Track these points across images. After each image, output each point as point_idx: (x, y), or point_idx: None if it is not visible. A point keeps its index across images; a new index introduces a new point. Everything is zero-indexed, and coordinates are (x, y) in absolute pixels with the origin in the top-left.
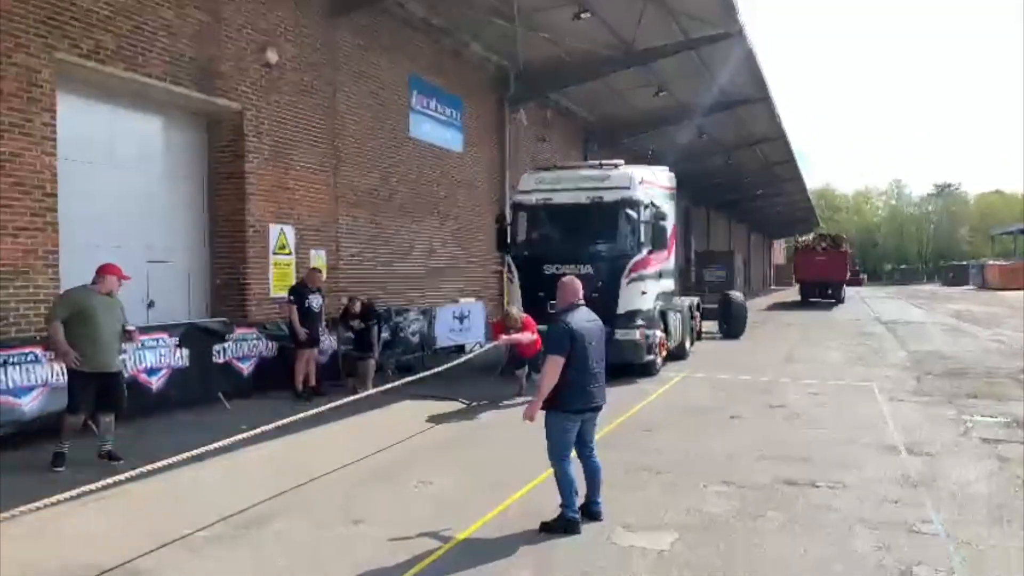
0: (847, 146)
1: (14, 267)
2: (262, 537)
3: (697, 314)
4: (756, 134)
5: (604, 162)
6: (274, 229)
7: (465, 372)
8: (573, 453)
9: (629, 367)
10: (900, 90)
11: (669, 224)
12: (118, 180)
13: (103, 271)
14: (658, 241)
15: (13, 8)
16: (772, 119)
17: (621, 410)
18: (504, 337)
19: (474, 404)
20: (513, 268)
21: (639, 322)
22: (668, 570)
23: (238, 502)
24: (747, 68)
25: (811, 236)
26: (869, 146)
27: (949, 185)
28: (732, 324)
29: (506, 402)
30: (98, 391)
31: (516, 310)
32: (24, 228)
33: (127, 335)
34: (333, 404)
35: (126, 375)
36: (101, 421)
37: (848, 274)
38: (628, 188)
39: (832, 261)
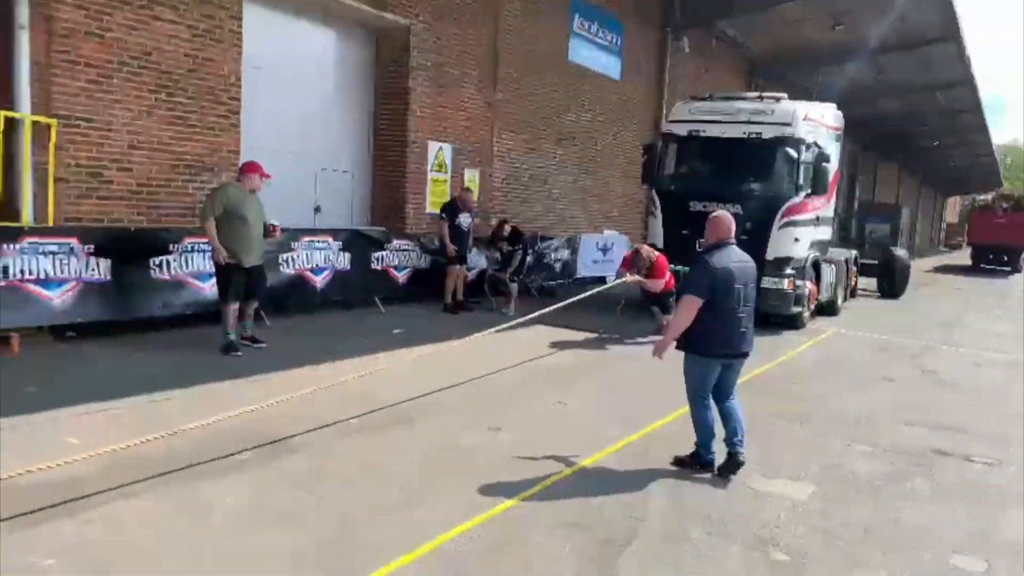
0: None
1: (202, 163)
2: (407, 431)
3: (854, 268)
4: (940, 78)
5: (765, 95)
6: (433, 147)
7: (596, 304)
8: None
9: (774, 318)
10: None
11: (832, 167)
12: (294, 89)
13: (247, 169)
14: (818, 185)
15: None
16: (960, 61)
17: (765, 359)
18: (631, 277)
19: (605, 336)
20: (656, 202)
21: (789, 270)
22: (802, 521)
23: (388, 397)
24: (937, 1)
25: (991, 195)
26: None
27: None
28: (892, 283)
29: (639, 338)
30: (247, 281)
31: (647, 250)
32: (211, 128)
33: (270, 230)
34: (495, 329)
35: (293, 272)
36: (244, 309)
37: None
38: (790, 124)
39: (1013, 224)
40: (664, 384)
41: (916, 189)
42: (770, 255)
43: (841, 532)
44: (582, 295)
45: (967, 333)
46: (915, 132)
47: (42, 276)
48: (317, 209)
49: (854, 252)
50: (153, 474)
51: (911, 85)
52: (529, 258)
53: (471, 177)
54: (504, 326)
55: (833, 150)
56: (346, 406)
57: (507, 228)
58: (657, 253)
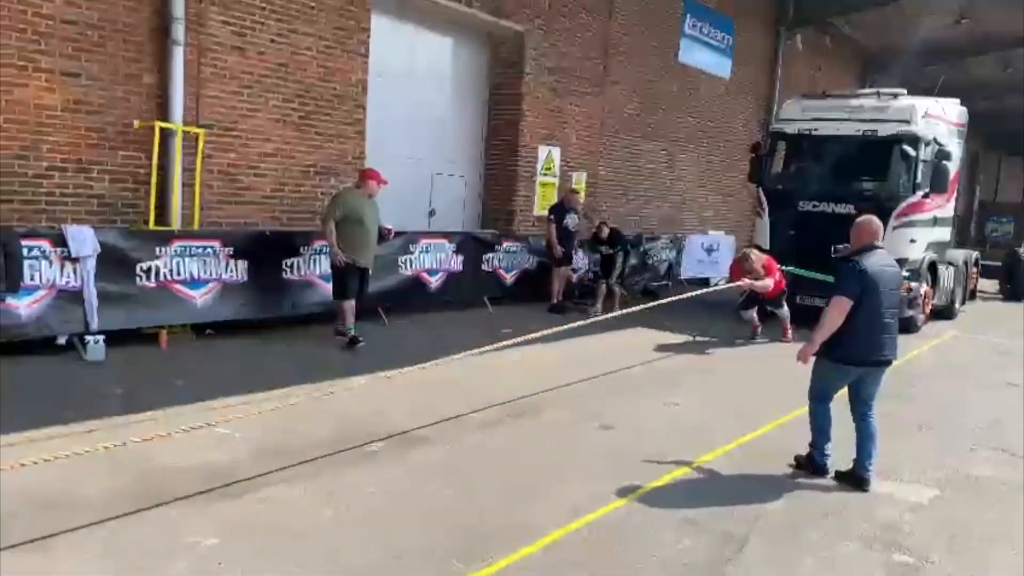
0: None
1: (328, 167)
2: (523, 425)
3: (974, 270)
4: None
5: (883, 91)
6: (543, 150)
7: (700, 306)
8: (846, 410)
9: None
10: None
11: (953, 166)
12: (413, 96)
13: (366, 176)
14: (937, 183)
15: None
16: None
17: None
18: (747, 281)
19: (702, 339)
20: (764, 202)
21: (904, 273)
22: (925, 524)
23: (500, 394)
24: None
25: None
26: None
27: None
28: (1017, 285)
29: (739, 341)
30: (360, 282)
31: (756, 254)
32: (338, 135)
33: (384, 233)
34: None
35: (410, 274)
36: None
37: None
38: (908, 122)
39: None
40: (772, 386)
41: None
42: None
43: (966, 537)
44: (679, 296)
45: None
46: None
47: (188, 277)
48: (432, 212)
49: (975, 253)
50: (297, 461)
51: None
52: (632, 260)
53: (578, 179)
54: (580, 324)
55: (954, 147)
56: (463, 401)
57: (605, 230)
58: (764, 255)
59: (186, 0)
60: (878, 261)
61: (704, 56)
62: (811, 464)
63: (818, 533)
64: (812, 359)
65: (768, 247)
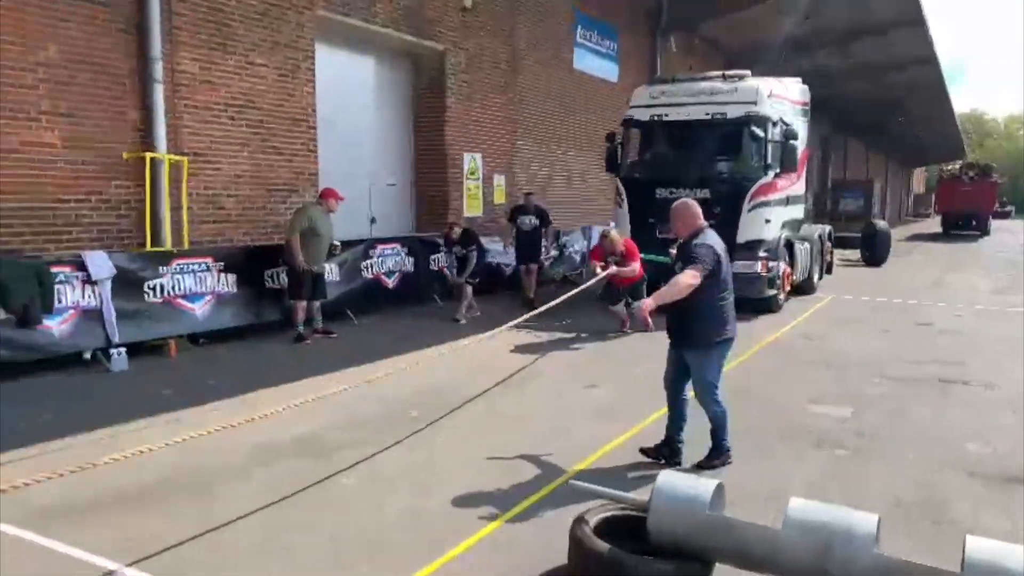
0: (1005, 65)
1: (289, 185)
2: (524, 392)
3: (829, 244)
4: (904, 57)
5: (728, 73)
6: (467, 157)
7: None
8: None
9: (747, 302)
10: None
11: (800, 144)
12: (350, 115)
13: (325, 194)
14: (787, 163)
15: None
16: (924, 42)
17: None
18: (605, 270)
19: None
20: (622, 191)
21: (761, 253)
22: (853, 427)
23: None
24: None
25: (957, 165)
26: None
27: None
28: (875, 251)
29: (611, 335)
30: (312, 285)
31: (616, 233)
32: (295, 154)
33: (332, 247)
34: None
35: (369, 277)
36: (314, 307)
37: (996, 205)
38: (755, 103)
39: (979, 191)
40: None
41: (884, 164)
42: (741, 238)
43: (879, 435)
44: (556, 300)
45: (949, 291)
46: (881, 109)
47: (187, 292)
48: (373, 220)
49: (828, 227)
50: (368, 431)
51: (876, 66)
52: (554, 252)
53: (499, 181)
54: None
55: (801, 126)
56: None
57: (457, 230)
58: (625, 236)
59: (161, 41)
60: (718, 239)
61: (593, 62)
62: (719, 456)
63: (777, 441)
64: (695, 357)
65: (629, 237)
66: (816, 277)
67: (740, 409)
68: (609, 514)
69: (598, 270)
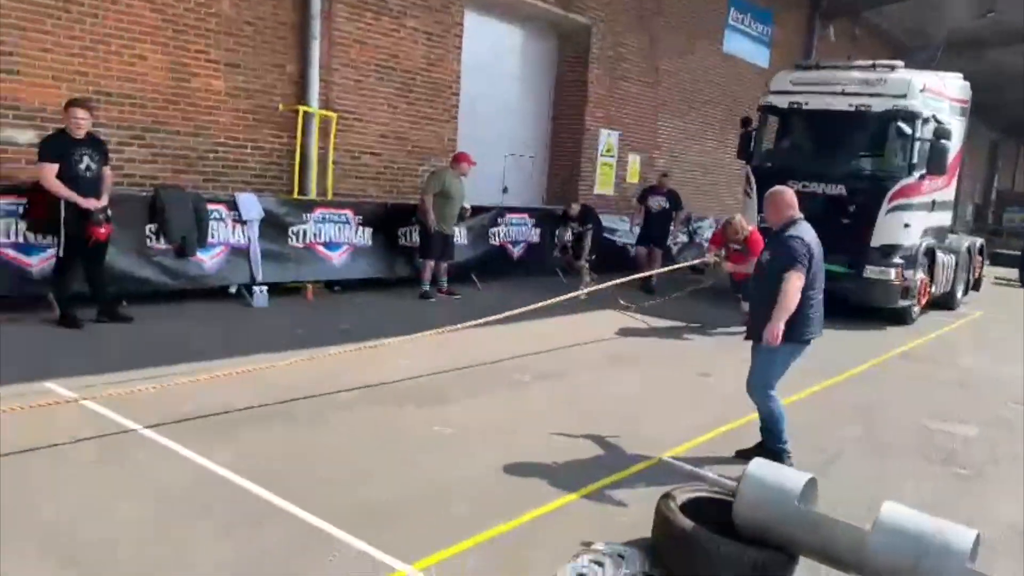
0: None
1: (428, 148)
2: (627, 370)
3: (979, 258)
4: None
5: (879, 62)
6: (603, 133)
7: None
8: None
9: (876, 311)
10: None
11: (954, 145)
12: (493, 83)
13: (459, 158)
14: (935, 164)
15: None
16: None
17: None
18: (720, 263)
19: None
20: (752, 180)
21: (897, 259)
22: (978, 448)
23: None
24: None
25: None
26: None
27: None
28: None
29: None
30: (442, 246)
31: (742, 219)
32: (437, 119)
33: (462, 212)
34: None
35: (496, 245)
36: (441, 267)
37: None
38: (904, 96)
39: None
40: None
41: None
42: (875, 242)
43: (1006, 458)
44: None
45: None
46: None
47: (327, 240)
48: (505, 190)
49: (980, 240)
50: (476, 386)
51: None
52: (684, 237)
53: (634, 160)
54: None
55: (956, 125)
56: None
57: (575, 207)
58: (751, 226)
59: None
60: (811, 232)
61: (744, 46)
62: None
63: (894, 458)
64: (760, 350)
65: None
66: (960, 293)
67: (852, 411)
68: (697, 495)
69: (710, 256)
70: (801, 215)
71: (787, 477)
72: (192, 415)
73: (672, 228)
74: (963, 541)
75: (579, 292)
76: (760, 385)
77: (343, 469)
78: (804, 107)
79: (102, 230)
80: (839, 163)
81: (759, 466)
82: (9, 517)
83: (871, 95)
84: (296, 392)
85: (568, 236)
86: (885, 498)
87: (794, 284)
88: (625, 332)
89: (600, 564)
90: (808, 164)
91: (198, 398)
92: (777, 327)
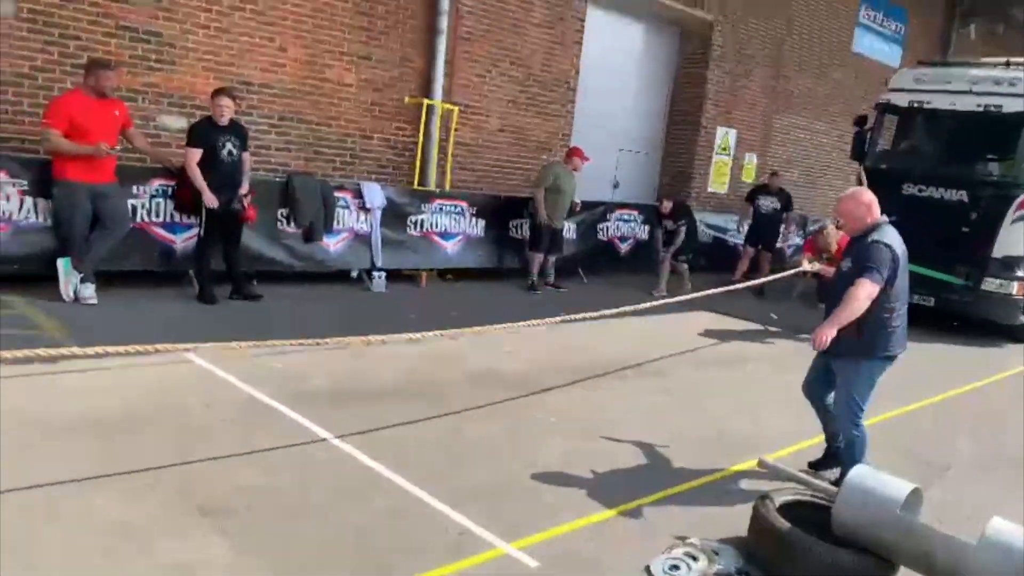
0: None
1: (544, 143)
2: (727, 370)
3: None
4: None
5: (1013, 60)
6: (720, 131)
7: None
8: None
9: (992, 326)
10: None
11: None
12: (612, 79)
13: (572, 153)
14: None
15: None
16: None
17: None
18: (811, 266)
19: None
20: (864, 182)
21: (1020, 273)
22: None
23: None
24: None
25: None
26: None
27: None
28: None
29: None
30: (551, 239)
31: (833, 229)
32: (554, 114)
33: (573, 206)
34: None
35: (604, 240)
36: (549, 260)
37: None
38: None
39: None
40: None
41: None
42: (997, 252)
43: None
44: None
45: None
46: None
47: (443, 230)
48: (616, 185)
49: None
50: (575, 377)
51: None
52: (798, 239)
53: (750, 160)
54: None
55: None
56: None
57: (667, 205)
58: (841, 231)
59: None
60: (898, 239)
61: (876, 44)
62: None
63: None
64: (849, 370)
65: None
66: None
67: (965, 426)
68: (795, 498)
69: (805, 264)
70: (886, 218)
71: (891, 485)
72: (312, 390)
73: (783, 230)
74: None
75: (661, 290)
76: (849, 407)
77: (452, 450)
78: (926, 106)
79: (247, 213)
80: (962, 167)
81: (861, 472)
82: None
83: (1002, 95)
84: (408, 370)
85: (661, 233)
86: (992, 515)
87: (865, 290)
88: (726, 334)
89: (695, 558)
90: (927, 167)
91: (319, 372)
92: (828, 332)
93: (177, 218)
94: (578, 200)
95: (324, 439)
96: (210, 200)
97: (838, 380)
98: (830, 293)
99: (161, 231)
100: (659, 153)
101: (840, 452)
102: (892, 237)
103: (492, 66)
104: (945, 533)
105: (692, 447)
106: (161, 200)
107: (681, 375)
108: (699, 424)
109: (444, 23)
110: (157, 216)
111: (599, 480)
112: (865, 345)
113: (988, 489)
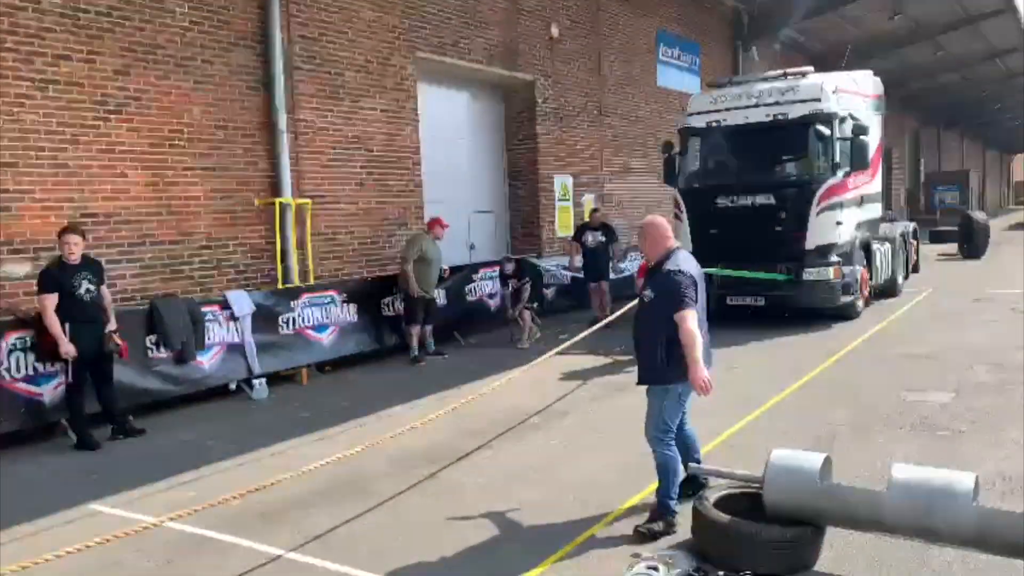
0: None
1: (398, 219)
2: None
3: (913, 242)
4: (997, 46)
5: (789, 71)
6: (557, 179)
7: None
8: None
9: (818, 311)
10: None
11: (873, 139)
12: (448, 148)
13: (433, 223)
14: (857, 160)
15: (387, 22)
16: (1017, 29)
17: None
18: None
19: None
20: (681, 203)
21: (833, 258)
22: (954, 411)
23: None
24: None
25: None
26: None
27: None
28: (973, 244)
29: None
30: (425, 310)
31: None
32: (403, 190)
33: (442, 271)
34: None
35: (475, 299)
36: (426, 330)
37: None
38: (819, 100)
39: None
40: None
41: (980, 153)
42: (810, 244)
43: (981, 417)
44: (594, 326)
45: None
46: (974, 99)
47: (315, 323)
48: (472, 246)
49: (911, 224)
50: (492, 435)
51: (968, 57)
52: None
53: (589, 200)
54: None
55: (873, 120)
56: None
57: (508, 266)
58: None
59: (285, 94)
60: (692, 261)
61: (677, 77)
62: (664, 520)
63: (880, 426)
64: (653, 394)
65: (691, 250)
66: (900, 278)
67: (833, 398)
68: (723, 492)
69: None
70: (679, 244)
71: (806, 459)
72: (242, 508)
73: (612, 261)
74: (966, 484)
75: (523, 343)
76: (658, 430)
77: (410, 535)
78: (723, 123)
79: (120, 349)
80: (764, 173)
81: (779, 455)
82: None
83: (786, 103)
84: (328, 475)
85: (506, 293)
86: (881, 467)
87: (690, 321)
88: (605, 367)
89: (655, 569)
90: (734, 179)
91: (236, 492)
92: (702, 373)
93: (40, 368)
94: (446, 266)
95: (279, 555)
96: (68, 351)
97: (649, 407)
98: (637, 321)
99: (24, 385)
100: (506, 209)
101: (657, 491)
102: (685, 262)
103: (335, 155)
104: (860, 487)
105: (614, 472)
106: (20, 354)
107: (588, 409)
108: (619, 448)
109: (283, 121)
110: (18, 371)
111: (545, 523)
112: (675, 370)
113: (874, 445)
